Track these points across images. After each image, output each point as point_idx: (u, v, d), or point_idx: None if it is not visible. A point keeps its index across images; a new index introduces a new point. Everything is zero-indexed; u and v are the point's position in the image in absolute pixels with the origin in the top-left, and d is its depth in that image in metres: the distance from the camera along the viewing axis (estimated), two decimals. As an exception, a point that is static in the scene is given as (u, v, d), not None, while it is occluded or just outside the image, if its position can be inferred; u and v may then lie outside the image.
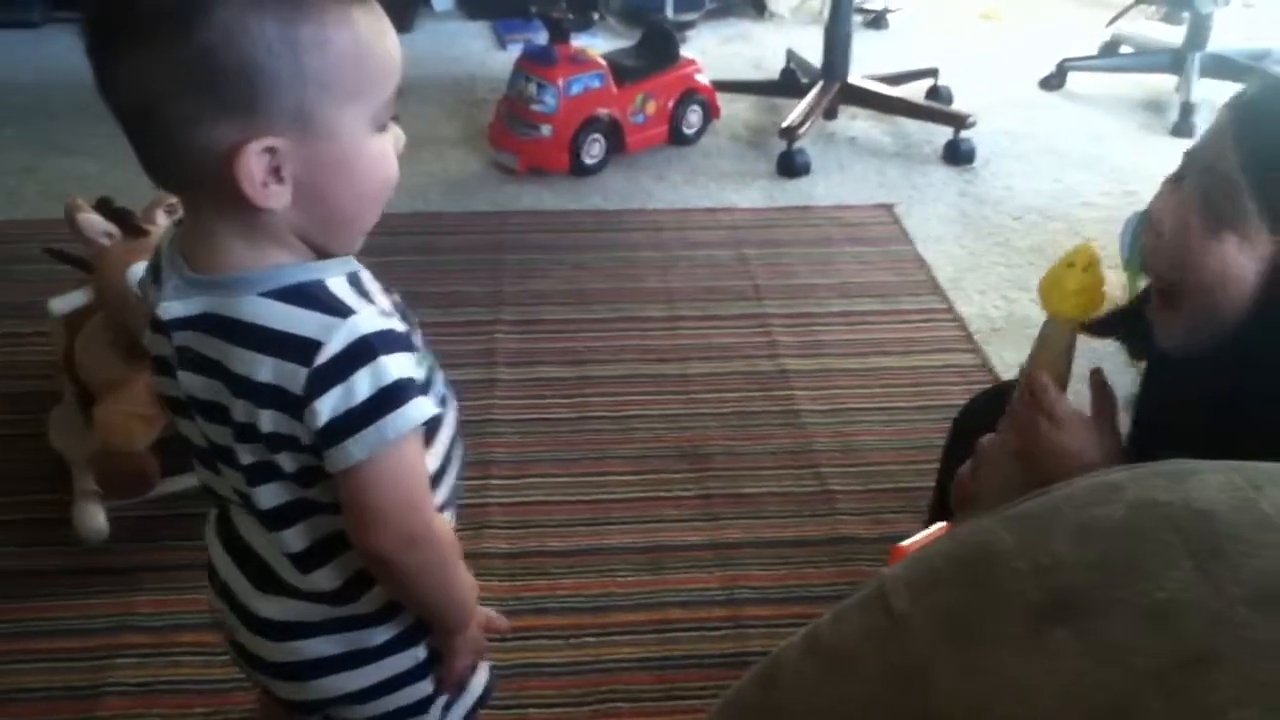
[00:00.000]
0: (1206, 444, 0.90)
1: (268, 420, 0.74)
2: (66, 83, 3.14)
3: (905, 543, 1.16)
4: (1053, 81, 3.25)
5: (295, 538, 0.81)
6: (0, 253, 2.14)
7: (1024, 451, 1.01)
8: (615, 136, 2.68)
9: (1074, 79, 3.25)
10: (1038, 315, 2.24)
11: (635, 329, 2.04)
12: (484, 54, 3.48)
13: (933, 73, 3.09)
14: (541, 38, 2.72)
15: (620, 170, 2.68)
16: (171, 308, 0.76)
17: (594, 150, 2.64)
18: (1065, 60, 3.25)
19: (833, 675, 0.65)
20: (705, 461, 1.71)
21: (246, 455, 0.77)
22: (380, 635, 0.86)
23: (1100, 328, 1.06)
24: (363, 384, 0.72)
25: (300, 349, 0.72)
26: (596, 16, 3.66)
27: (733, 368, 1.93)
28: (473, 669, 0.94)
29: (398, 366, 0.74)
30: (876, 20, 3.79)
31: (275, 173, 0.70)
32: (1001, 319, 2.10)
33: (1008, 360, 1.96)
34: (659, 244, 2.36)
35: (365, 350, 0.72)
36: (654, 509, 1.61)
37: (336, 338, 0.72)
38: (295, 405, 0.73)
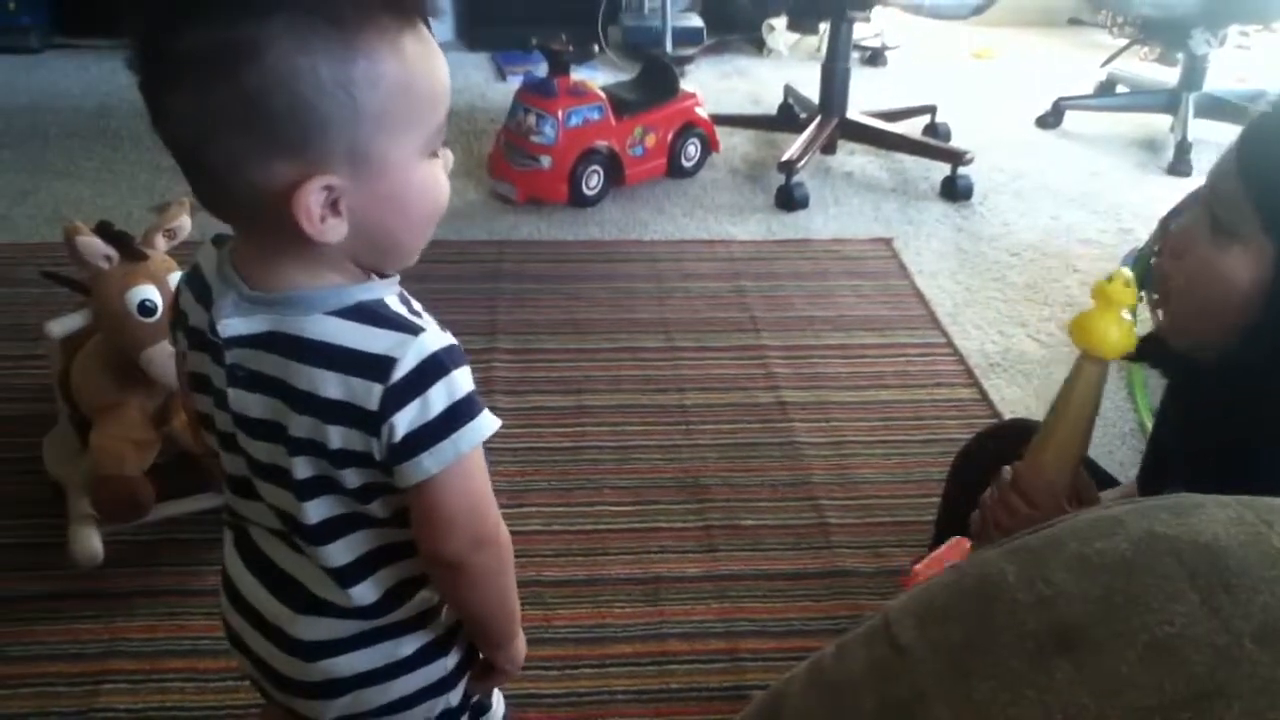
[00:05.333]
0: (1217, 464, 0.91)
1: (336, 436, 0.75)
2: (63, 107, 3.16)
3: (919, 564, 1.15)
4: (1049, 120, 3.28)
5: (339, 552, 0.81)
6: (-2, 275, 2.14)
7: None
8: (614, 168, 2.69)
9: (1070, 118, 3.27)
10: (1034, 351, 2.25)
11: (632, 359, 2.04)
12: (484, 85, 3.50)
13: (930, 109, 3.12)
14: (542, 70, 2.74)
15: (618, 202, 2.69)
16: (233, 325, 0.76)
17: (592, 182, 2.66)
18: (1061, 99, 3.28)
19: (834, 708, 0.65)
20: (704, 493, 1.70)
21: (304, 469, 0.77)
22: (410, 645, 0.86)
23: (1135, 353, 1.06)
24: (438, 398, 0.74)
25: (374, 366, 0.73)
26: (597, 49, 3.69)
27: (731, 399, 1.93)
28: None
29: (466, 380, 0.76)
30: (874, 57, 3.82)
31: (333, 207, 0.71)
32: (999, 354, 2.11)
33: (1006, 396, 1.96)
34: (657, 275, 2.36)
35: (437, 366, 0.74)
36: (652, 540, 1.60)
37: (410, 354, 0.73)
38: (369, 421, 0.74)
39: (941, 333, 2.17)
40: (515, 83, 2.93)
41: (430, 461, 0.75)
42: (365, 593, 0.83)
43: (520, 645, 0.92)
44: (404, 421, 0.73)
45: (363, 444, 0.75)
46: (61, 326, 1.50)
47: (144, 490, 1.48)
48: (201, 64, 0.67)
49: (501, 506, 1.70)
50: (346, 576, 0.82)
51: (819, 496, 1.70)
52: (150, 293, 1.45)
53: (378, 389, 0.73)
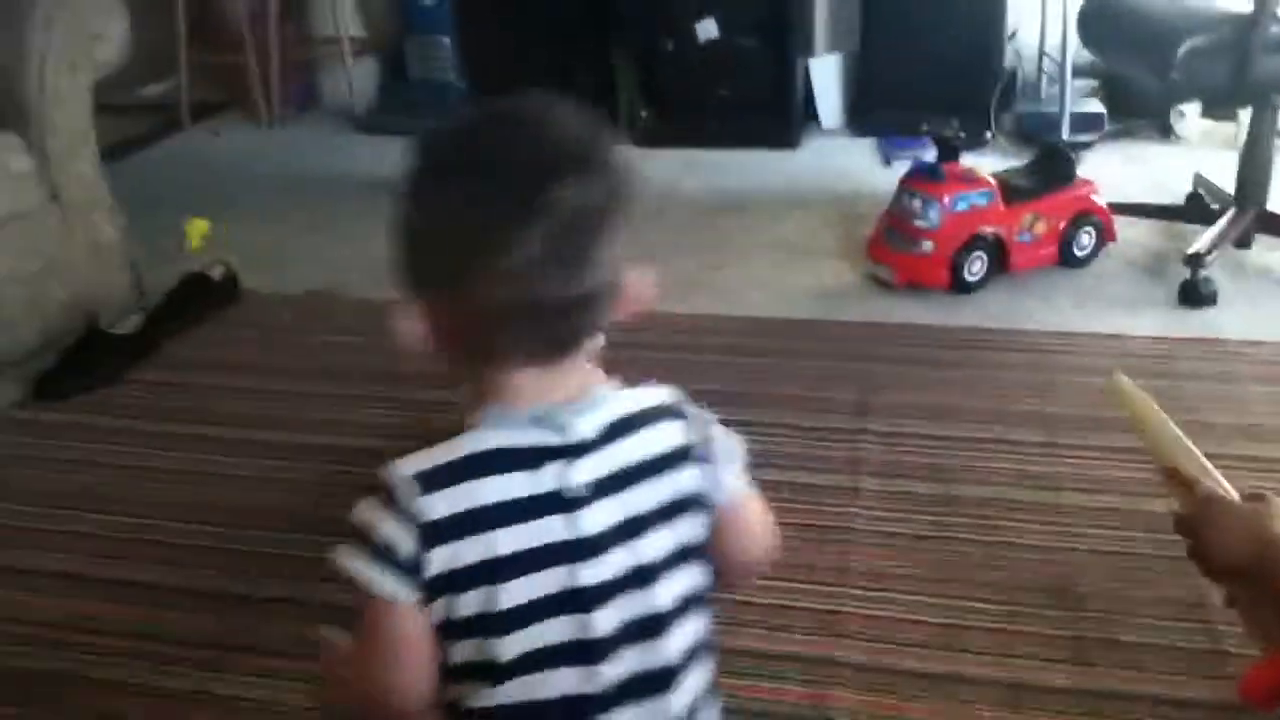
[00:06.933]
0: None
1: (678, 484, 0.87)
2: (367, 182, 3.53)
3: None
4: None
5: (683, 638, 0.87)
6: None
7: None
8: (999, 255, 2.62)
9: None
10: None
11: (1008, 452, 1.96)
12: (867, 170, 3.54)
13: (1372, 204, 2.78)
14: (929, 155, 2.73)
15: (1002, 290, 2.61)
16: (581, 428, 0.83)
17: (975, 268, 2.60)
18: None
19: None
20: (1078, 601, 1.59)
21: (664, 541, 0.86)
22: None
23: None
24: (706, 419, 0.91)
25: (665, 410, 0.89)
26: (989, 135, 3.62)
27: (1114, 503, 1.80)
28: None
29: None
30: (1304, 145, 3.47)
31: None
32: None
33: None
34: (1039, 367, 2.26)
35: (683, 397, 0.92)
36: (1017, 642, 1.52)
37: (667, 393, 0.90)
38: (689, 453, 0.87)
39: (1376, 454, 1.91)
40: (900, 168, 2.94)
41: (736, 465, 0.90)
42: (696, 681, 0.88)
43: None
44: (702, 439, 0.88)
45: (694, 482, 0.87)
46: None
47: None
48: (611, 216, 0.81)
49: (862, 587, 1.69)
50: (684, 669, 0.87)
51: (1215, 621, 1.53)
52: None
53: (679, 423, 0.88)
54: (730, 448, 0.90)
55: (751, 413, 2.09)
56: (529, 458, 0.80)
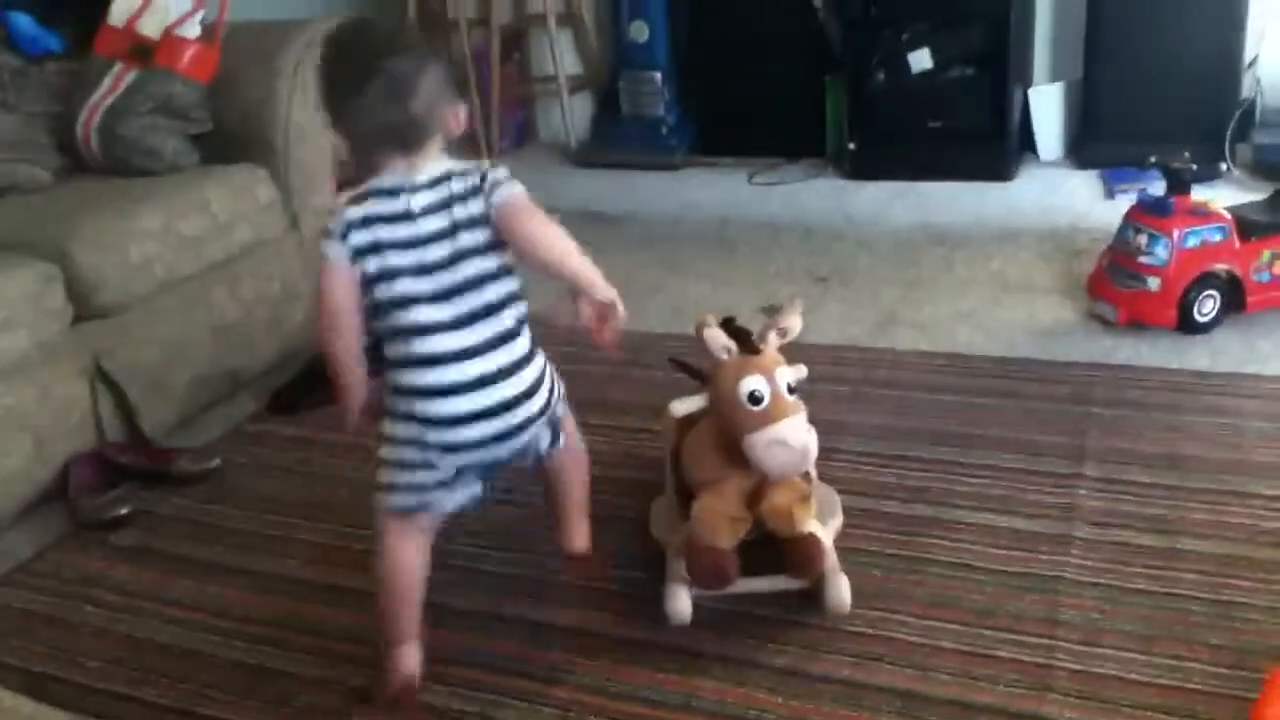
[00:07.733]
0: None
1: (478, 205, 1.44)
2: (692, 217, 3.59)
3: None
4: None
5: (494, 291, 1.47)
6: (629, 358, 2.44)
7: None
8: (1233, 294, 2.46)
9: None
10: None
11: (1240, 505, 1.84)
12: (1089, 204, 3.40)
13: None
14: (1156, 188, 2.60)
15: (1235, 331, 2.46)
16: (419, 179, 1.45)
17: (1206, 307, 2.45)
18: None
19: None
20: (1319, 671, 1.47)
21: (471, 238, 1.44)
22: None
23: None
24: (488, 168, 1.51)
25: (472, 170, 1.48)
26: (1224, 168, 3.41)
27: (1364, 568, 1.66)
28: None
29: None
30: None
31: None
32: None
33: None
34: (1275, 415, 2.11)
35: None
36: (1247, 714, 1.41)
37: (472, 163, 1.49)
38: (481, 188, 1.45)
39: None
40: (1123, 201, 2.81)
41: (506, 189, 1.45)
42: (515, 313, 1.49)
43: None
44: (486, 178, 1.45)
45: (481, 206, 1.44)
46: (682, 407, 1.69)
47: (732, 563, 1.61)
48: (428, 78, 1.46)
49: (1073, 641, 1.61)
50: (499, 308, 1.47)
51: None
52: (760, 384, 1.58)
53: (476, 174, 1.46)
54: (501, 179, 1.46)
55: (958, 452, 2.05)
56: (391, 193, 1.45)
